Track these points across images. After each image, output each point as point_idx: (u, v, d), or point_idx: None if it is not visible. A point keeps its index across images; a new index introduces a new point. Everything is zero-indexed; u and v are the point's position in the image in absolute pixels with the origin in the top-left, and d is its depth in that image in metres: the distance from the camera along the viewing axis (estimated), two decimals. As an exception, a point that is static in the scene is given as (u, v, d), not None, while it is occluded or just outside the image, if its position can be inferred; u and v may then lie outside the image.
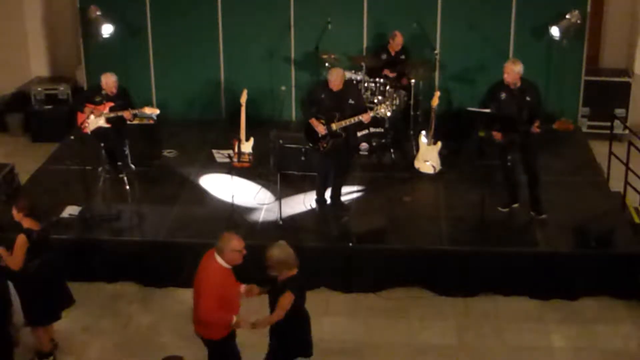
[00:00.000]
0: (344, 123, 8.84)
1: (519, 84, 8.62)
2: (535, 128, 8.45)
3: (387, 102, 9.04)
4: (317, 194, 9.35)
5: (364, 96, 10.78)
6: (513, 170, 9.01)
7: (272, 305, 6.29)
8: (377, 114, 8.94)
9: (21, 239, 7.03)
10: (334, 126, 8.87)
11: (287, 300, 6.11)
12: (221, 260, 6.20)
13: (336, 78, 8.80)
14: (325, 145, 8.95)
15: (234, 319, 6.27)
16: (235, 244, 6.18)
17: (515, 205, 9.22)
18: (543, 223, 8.96)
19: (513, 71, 8.56)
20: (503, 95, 8.67)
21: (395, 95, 10.91)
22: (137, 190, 9.80)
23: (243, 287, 6.51)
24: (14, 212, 7.18)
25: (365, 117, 8.85)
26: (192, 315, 6.43)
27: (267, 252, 6.19)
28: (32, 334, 7.52)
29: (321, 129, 8.88)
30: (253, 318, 6.30)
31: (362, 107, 9.08)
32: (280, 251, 6.19)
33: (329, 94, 8.89)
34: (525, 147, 8.75)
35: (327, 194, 9.36)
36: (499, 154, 8.96)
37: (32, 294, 7.21)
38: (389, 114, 9.05)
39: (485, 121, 8.93)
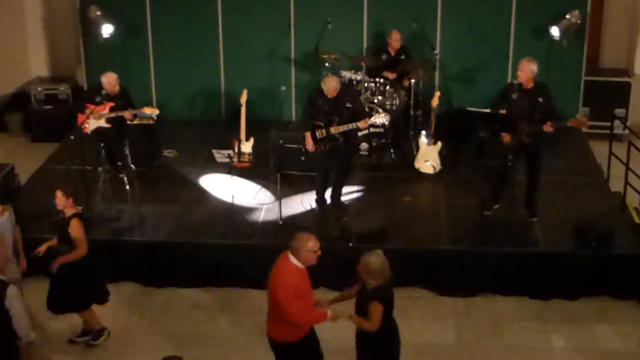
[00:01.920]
0: (341, 128, 8.86)
1: (531, 85, 8.58)
2: (548, 127, 8.40)
3: (385, 110, 9.02)
4: (317, 194, 9.35)
5: (364, 96, 10.79)
6: (511, 170, 9.01)
7: (359, 310, 6.27)
8: (375, 122, 8.90)
9: (78, 223, 7.28)
10: (332, 130, 8.89)
11: (377, 310, 6.08)
12: (296, 261, 6.16)
13: (329, 87, 8.82)
14: (322, 148, 8.97)
15: (329, 313, 6.22)
16: (311, 244, 6.13)
17: (496, 206, 9.22)
18: (543, 223, 8.96)
19: (527, 69, 8.47)
20: (514, 96, 8.63)
21: (395, 95, 10.91)
22: (137, 190, 9.80)
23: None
24: (61, 197, 7.29)
25: (361, 124, 8.80)
26: (265, 318, 6.39)
27: (363, 258, 6.14)
28: (82, 317, 7.73)
29: (310, 146, 8.95)
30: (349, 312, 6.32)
31: (360, 109, 9.12)
32: (377, 260, 6.12)
33: (325, 100, 8.92)
34: (533, 149, 8.71)
35: (327, 194, 9.36)
36: (500, 155, 8.95)
37: (85, 276, 7.39)
38: (386, 122, 9.00)
39: (486, 122, 8.92)
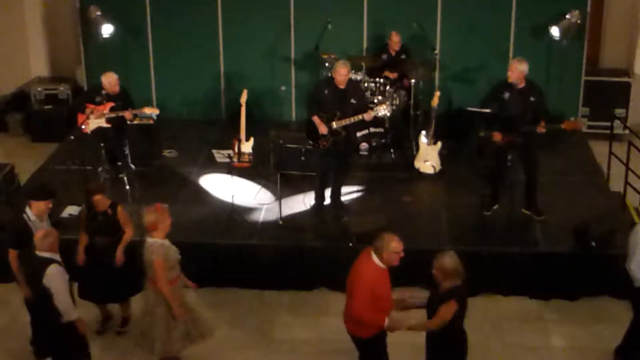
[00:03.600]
0: (344, 122, 8.81)
1: (522, 85, 8.60)
2: (541, 128, 8.42)
3: (387, 102, 9.03)
4: (316, 193, 9.36)
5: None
6: (510, 171, 9.02)
7: (430, 312, 6.25)
8: (378, 113, 8.91)
9: (122, 207, 7.72)
10: (334, 124, 8.85)
11: (450, 309, 6.05)
12: (378, 260, 6.21)
13: (345, 72, 8.67)
14: (325, 143, 8.94)
15: (386, 322, 6.23)
16: (395, 245, 6.18)
17: (496, 206, 9.22)
18: (543, 223, 8.97)
19: (517, 69, 8.52)
20: (507, 96, 8.65)
21: (395, 95, 10.92)
22: (137, 190, 9.80)
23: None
24: (102, 197, 7.58)
25: (367, 116, 8.79)
26: (342, 313, 6.50)
27: (437, 259, 6.16)
28: (124, 305, 7.97)
29: (323, 129, 8.85)
30: (409, 320, 6.31)
31: (365, 107, 9.03)
32: (450, 260, 6.14)
33: (332, 91, 8.83)
34: (527, 148, 8.74)
35: (327, 193, 9.36)
36: (497, 154, 8.96)
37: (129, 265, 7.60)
38: (388, 113, 9.03)
39: (486, 121, 8.92)
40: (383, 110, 8.98)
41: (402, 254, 6.24)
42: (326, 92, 8.88)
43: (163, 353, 7.00)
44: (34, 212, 7.19)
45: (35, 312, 7.07)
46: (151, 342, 6.97)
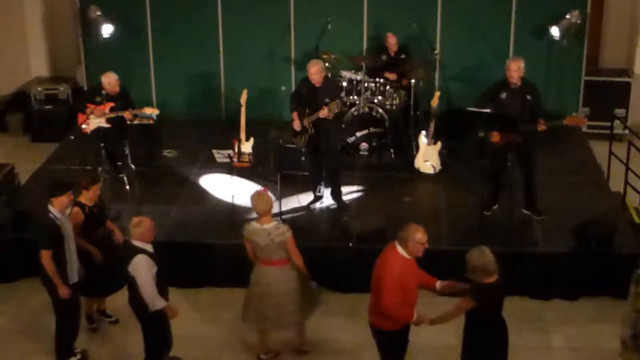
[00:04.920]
0: (307, 119, 8.90)
1: (519, 84, 8.61)
2: (542, 126, 8.42)
3: (338, 101, 8.96)
4: (313, 192, 9.42)
5: (364, 96, 10.78)
6: (510, 171, 9.01)
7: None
8: (330, 110, 8.83)
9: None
10: (305, 122, 8.91)
11: (465, 303, 6.11)
12: (403, 250, 6.26)
13: (314, 70, 8.80)
14: (300, 140, 9.02)
15: (415, 316, 6.28)
16: (419, 236, 6.24)
17: (496, 206, 9.22)
18: (543, 223, 8.96)
19: (519, 68, 8.54)
20: (504, 95, 8.66)
21: (395, 95, 10.92)
22: (137, 190, 9.80)
23: (439, 283, 6.55)
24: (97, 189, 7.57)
25: (322, 113, 8.78)
26: (368, 306, 6.60)
27: (468, 255, 6.18)
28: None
29: (296, 125, 9.00)
30: (432, 314, 6.37)
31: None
32: (478, 256, 6.13)
33: (308, 89, 8.96)
34: (526, 147, 8.74)
35: (323, 191, 9.41)
36: (496, 154, 8.95)
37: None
38: (336, 110, 8.90)
39: (485, 121, 8.92)
40: (335, 109, 8.84)
41: (426, 245, 6.30)
42: (304, 90, 9.01)
43: (300, 322, 7.36)
44: (57, 208, 7.14)
45: (59, 313, 7.26)
46: (287, 318, 7.25)
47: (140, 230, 6.71)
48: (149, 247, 6.75)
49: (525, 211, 9.11)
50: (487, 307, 6.20)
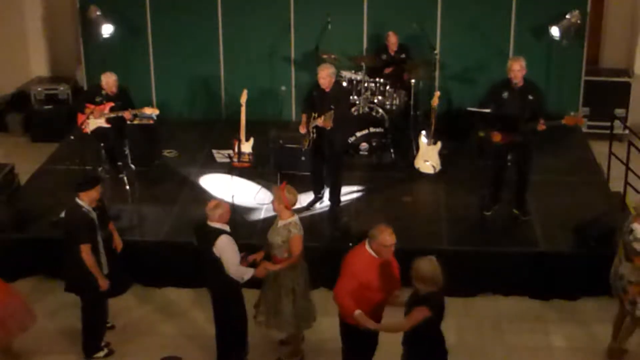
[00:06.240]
0: (311, 124, 8.89)
1: (521, 83, 8.60)
2: (541, 125, 8.42)
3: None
4: (313, 192, 9.42)
5: (364, 96, 10.78)
6: (510, 171, 9.01)
7: (406, 314, 6.18)
8: (316, 123, 8.83)
9: None
10: (308, 126, 8.94)
11: (420, 313, 5.93)
12: (369, 248, 6.26)
13: (323, 74, 8.78)
14: (305, 142, 9.06)
15: (357, 312, 6.20)
16: (384, 237, 6.21)
17: (496, 206, 9.22)
18: (543, 223, 8.97)
19: (522, 67, 8.51)
20: (505, 95, 8.65)
21: (395, 95, 10.92)
22: (137, 190, 9.81)
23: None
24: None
25: (318, 121, 8.78)
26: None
27: (415, 262, 6.04)
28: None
29: (302, 128, 9.02)
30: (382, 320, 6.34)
31: (341, 114, 8.91)
32: (428, 266, 5.99)
33: (317, 92, 8.94)
34: (524, 147, 8.74)
35: (323, 192, 9.39)
36: (496, 154, 8.95)
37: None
38: (319, 123, 8.87)
39: (485, 121, 8.92)
40: (329, 120, 8.79)
41: (391, 249, 6.24)
42: (314, 93, 9.00)
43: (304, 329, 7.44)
44: (87, 201, 7.14)
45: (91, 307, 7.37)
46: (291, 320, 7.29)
47: (220, 211, 6.86)
48: (227, 228, 6.92)
49: (516, 211, 9.11)
50: (440, 317, 6.07)
